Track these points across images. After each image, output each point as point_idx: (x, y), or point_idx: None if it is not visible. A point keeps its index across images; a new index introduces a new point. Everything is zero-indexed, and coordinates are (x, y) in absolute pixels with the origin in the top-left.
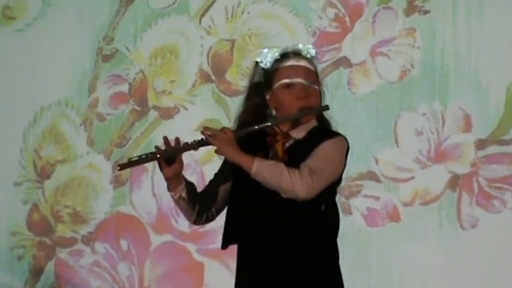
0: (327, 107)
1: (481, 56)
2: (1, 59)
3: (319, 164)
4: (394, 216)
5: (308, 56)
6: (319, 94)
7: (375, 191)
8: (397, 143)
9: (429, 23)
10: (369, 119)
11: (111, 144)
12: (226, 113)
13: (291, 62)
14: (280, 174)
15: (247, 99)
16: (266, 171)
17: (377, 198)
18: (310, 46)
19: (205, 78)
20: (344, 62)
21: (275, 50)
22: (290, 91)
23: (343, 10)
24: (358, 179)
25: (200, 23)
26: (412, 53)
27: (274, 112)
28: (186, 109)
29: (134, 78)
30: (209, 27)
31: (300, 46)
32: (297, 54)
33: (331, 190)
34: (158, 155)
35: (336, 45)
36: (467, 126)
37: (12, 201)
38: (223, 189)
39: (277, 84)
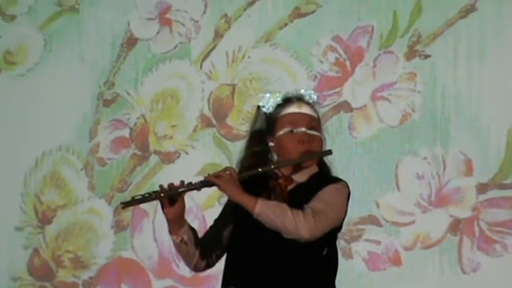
0: (329, 152)
1: (481, 100)
2: (2, 103)
3: (322, 207)
4: (396, 260)
5: (310, 101)
6: (322, 140)
7: (376, 235)
8: (398, 187)
9: (430, 67)
10: (370, 163)
11: (112, 189)
12: (227, 158)
13: (293, 109)
14: (284, 214)
15: (249, 144)
16: (269, 211)
17: (378, 242)
18: (312, 92)
19: (206, 122)
20: (345, 106)
21: (277, 95)
22: (293, 136)
23: (343, 54)
24: (359, 223)
25: (201, 67)
26: (412, 97)
27: (276, 157)
28: (187, 154)
29: (135, 123)
30: (210, 71)
31: (302, 91)
32: (300, 99)
33: (332, 235)
34: (161, 194)
35: (337, 90)
36: (469, 171)
37: (13, 246)
38: (225, 235)
39: (280, 132)
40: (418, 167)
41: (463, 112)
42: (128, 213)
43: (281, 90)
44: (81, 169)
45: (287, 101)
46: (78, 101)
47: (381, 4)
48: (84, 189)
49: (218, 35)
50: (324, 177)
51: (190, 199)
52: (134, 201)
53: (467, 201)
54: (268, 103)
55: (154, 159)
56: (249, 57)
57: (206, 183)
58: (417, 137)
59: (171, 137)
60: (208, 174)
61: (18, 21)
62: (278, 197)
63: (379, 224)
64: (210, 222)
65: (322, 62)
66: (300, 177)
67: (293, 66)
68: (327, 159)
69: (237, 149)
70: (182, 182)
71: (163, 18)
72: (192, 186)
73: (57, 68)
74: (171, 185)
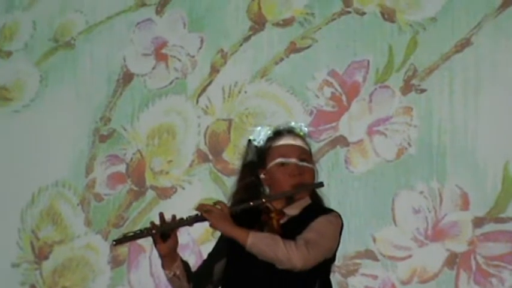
0: (321, 184)
1: (477, 134)
2: None
3: (315, 237)
4: None
5: (301, 133)
6: (313, 172)
7: (372, 269)
8: (394, 221)
9: (426, 101)
10: (367, 197)
11: (109, 224)
12: (224, 193)
13: (284, 141)
14: (276, 245)
15: (241, 177)
16: (262, 243)
17: (375, 277)
18: (303, 124)
19: (202, 157)
20: (341, 141)
21: (268, 128)
22: (284, 169)
23: (339, 89)
24: (355, 258)
25: (197, 102)
26: (409, 131)
27: (268, 190)
28: (184, 189)
29: (131, 158)
30: (206, 106)
31: (293, 124)
32: (290, 132)
33: (325, 267)
34: (153, 231)
35: (333, 124)
36: (465, 205)
37: (10, 283)
38: (218, 268)
39: (271, 164)
40: (414, 201)
41: (459, 146)
42: (124, 249)
43: (275, 124)
44: (78, 205)
45: (277, 133)
46: (75, 136)
47: (377, 39)
48: (80, 224)
49: (214, 70)
50: (316, 209)
51: (187, 234)
52: (126, 239)
53: (464, 235)
54: (259, 136)
55: (150, 194)
56: (245, 92)
57: (198, 218)
58: (413, 171)
59: (168, 172)
60: (199, 204)
61: (14, 57)
62: (270, 231)
63: (375, 259)
64: None
65: (318, 97)
66: (292, 211)
67: (289, 101)
68: (320, 190)
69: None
70: (174, 217)
71: (160, 54)
72: (183, 222)
73: (53, 103)
74: (163, 220)
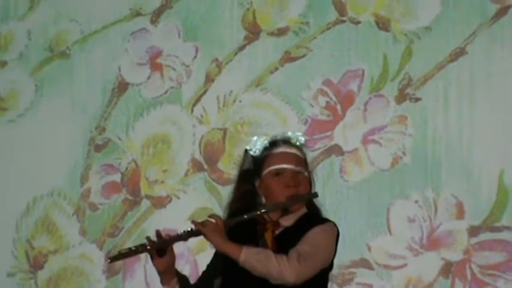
0: (315, 195)
1: (472, 143)
2: None
3: (308, 249)
4: None
5: (297, 143)
6: (309, 182)
7: (367, 278)
8: (389, 230)
9: (420, 110)
10: (362, 206)
11: (104, 234)
12: (218, 202)
13: (280, 151)
14: (268, 260)
15: (237, 187)
16: (254, 259)
17: (370, 286)
18: (299, 134)
19: (197, 167)
20: (336, 150)
21: (264, 138)
22: (279, 179)
23: (334, 98)
24: (351, 267)
25: (192, 112)
26: (403, 140)
27: (264, 200)
28: (179, 198)
29: (126, 168)
30: (201, 116)
31: (289, 134)
32: (287, 142)
33: (322, 277)
34: (149, 247)
35: (328, 133)
36: (460, 213)
37: None
38: (216, 282)
39: (266, 171)
40: (409, 210)
41: (454, 155)
42: (117, 261)
43: (272, 134)
44: (73, 214)
45: (274, 143)
46: (70, 146)
47: (372, 48)
48: (75, 234)
49: (209, 79)
50: (312, 219)
51: (182, 243)
52: (121, 255)
53: (459, 244)
54: (256, 146)
55: (145, 204)
56: (240, 101)
57: (192, 232)
58: (408, 180)
59: (163, 182)
60: (193, 221)
61: (9, 66)
62: (266, 243)
63: (370, 268)
64: (201, 267)
65: (313, 106)
66: (288, 221)
67: (284, 110)
68: (317, 200)
69: (229, 193)
70: (168, 235)
71: (154, 63)
72: (178, 237)
73: (48, 113)
74: (159, 236)
